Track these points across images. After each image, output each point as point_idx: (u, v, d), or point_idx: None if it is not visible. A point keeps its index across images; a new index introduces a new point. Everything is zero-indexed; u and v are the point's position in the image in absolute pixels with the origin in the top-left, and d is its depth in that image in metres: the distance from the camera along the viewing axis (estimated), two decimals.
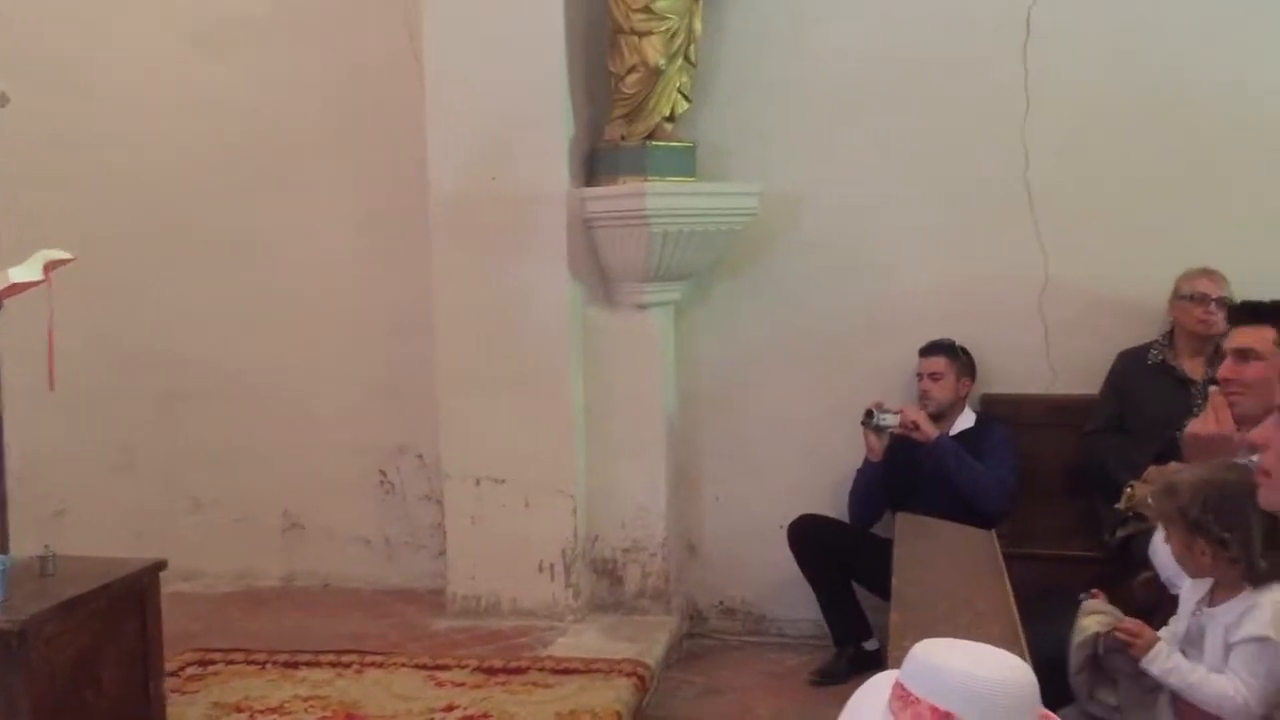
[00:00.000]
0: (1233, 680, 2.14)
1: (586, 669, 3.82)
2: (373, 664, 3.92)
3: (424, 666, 3.89)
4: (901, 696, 1.36)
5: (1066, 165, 4.34)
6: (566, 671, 3.80)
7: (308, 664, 3.91)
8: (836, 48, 4.46)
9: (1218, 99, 4.21)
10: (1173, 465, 3.72)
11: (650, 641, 4.18)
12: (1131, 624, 2.29)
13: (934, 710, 1.32)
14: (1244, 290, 3.74)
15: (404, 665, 3.91)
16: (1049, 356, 4.41)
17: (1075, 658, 2.30)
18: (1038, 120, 4.33)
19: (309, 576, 5.02)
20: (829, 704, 3.93)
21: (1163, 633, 2.34)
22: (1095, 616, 2.32)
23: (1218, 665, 2.18)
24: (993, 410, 4.37)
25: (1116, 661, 2.31)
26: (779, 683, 4.25)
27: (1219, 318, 3.92)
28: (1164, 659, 2.22)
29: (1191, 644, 2.27)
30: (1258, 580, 2.19)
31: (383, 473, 4.97)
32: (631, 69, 4.22)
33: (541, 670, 3.82)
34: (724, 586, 4.74)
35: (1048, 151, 4.34)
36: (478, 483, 4.39)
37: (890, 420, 4.14)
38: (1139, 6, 4.27)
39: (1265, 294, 2.92)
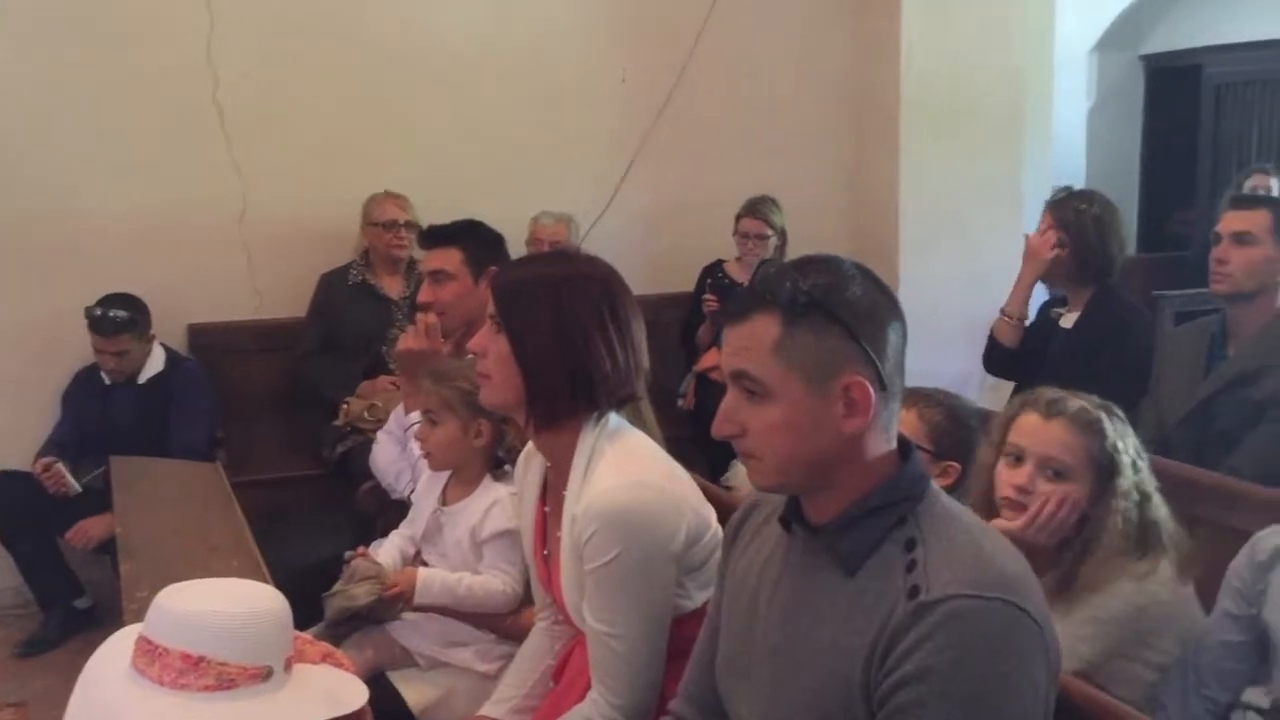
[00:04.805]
0: (498, 576, 2.31)
1: None
2: None
3: None
4: (148, 651, 1.27)
5: (257, 89, 4.28)
6: None
7: None
8: None
9: (396, 32, 4.43)
10: (383, 379, 3.98)
11: None
12: (393, 591, 2.28)
13: (185, 657, 1.26)
14: (428, 212, 4.02)
15: None
16: (254, 281, 4.38)
17: (334, 613, 2.26)
18: (225, 40, 4.20)
19: None
20: (42, 674, 3.63)
21: (396, 535, 2.48)
22: (365, 585, 2.27)
23: (466, 558, 2.35)
24: (201, 339, 4.25)
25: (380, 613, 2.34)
26: None
27: (408, 240, 4.20)
28: (433, 589, 2.29)
29: (429, 540, 2.43)
30: (498, 470, 2.38)
31: None
32: None
33: None
34: None
35: (237, 74, 4.24)
36: None
37: None
38: None
39: (447, 216, 3.18)
